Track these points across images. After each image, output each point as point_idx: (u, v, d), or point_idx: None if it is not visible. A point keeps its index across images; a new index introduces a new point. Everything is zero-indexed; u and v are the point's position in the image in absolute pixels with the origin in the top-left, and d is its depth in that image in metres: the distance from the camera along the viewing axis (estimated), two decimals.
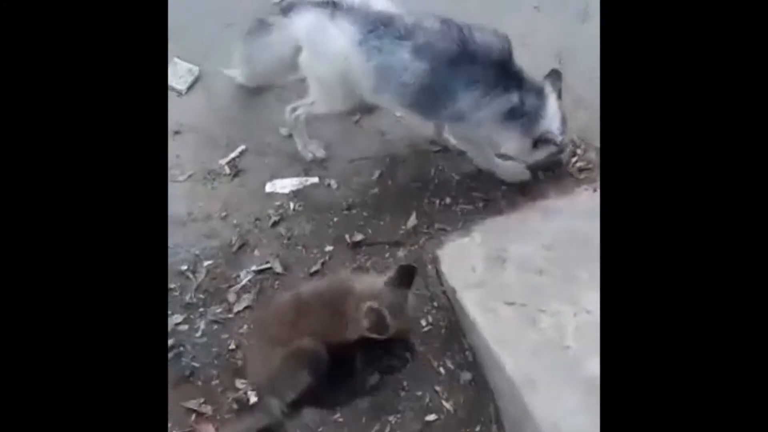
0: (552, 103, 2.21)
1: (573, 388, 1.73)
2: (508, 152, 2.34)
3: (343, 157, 2.52)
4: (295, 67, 2.25)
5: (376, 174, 2.46)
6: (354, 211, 2.37)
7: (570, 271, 2.03)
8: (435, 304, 2.12)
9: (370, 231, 2.32)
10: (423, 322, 2.08)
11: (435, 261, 2.19)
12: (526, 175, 2.40)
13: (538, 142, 2.23)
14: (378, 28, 2.07)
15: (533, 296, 1.97)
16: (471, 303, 2.00)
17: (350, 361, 1.96)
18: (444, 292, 2.12)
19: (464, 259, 2.13)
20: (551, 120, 2.21)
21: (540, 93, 2.20)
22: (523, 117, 2.18)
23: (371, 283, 1.94)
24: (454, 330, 2.05)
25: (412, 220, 2.33)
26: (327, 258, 2.25)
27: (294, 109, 2.40)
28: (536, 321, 1.91)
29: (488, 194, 2.38)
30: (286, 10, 2.21)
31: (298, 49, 2.20)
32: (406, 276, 1.92)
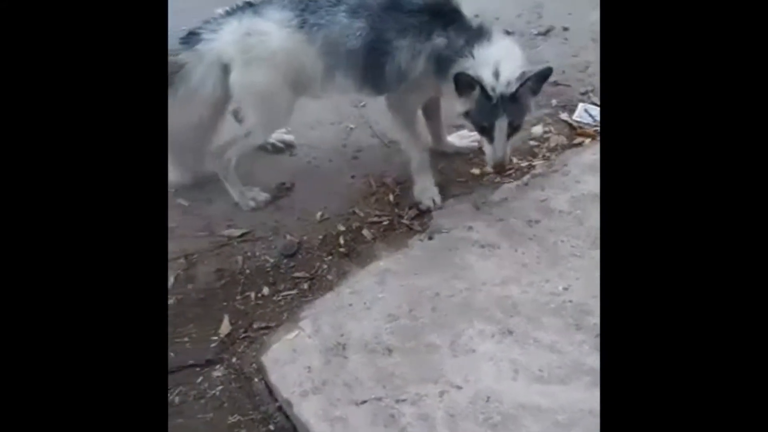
0: (495, 50, 1.84)
1: None
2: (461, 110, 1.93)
3: None
4: (223, 99, 1.99)
5: (170, 281, 1.96)
6: None
7: (423, 340, 1.65)
8: (271, 427, 1.62)
9: (172, 354, 1.78)
10: None
11: (262, 371, 1.70)
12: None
13: (458, 84, 1.83)
14: (309, 3, 1.91)
15: (388, 384, 1.55)
16: (312, 415, 1.53)
17: None
18: (280, 409, 1.64)
19: (296, 360, 1.67)
20: (480, 64, 1.82)
21: (479, 35, 1.85)
22: (451, 61, 1.86)
23: None
24: None
25: (225, 326, 1.84)
26: None
27: (222, 152, 2.07)
28: (396, 416, 1.48)
29: (312, 270, 1.96)
30: (192, 39, 1.95)
31: (224, 72, 1.93)
32: None
